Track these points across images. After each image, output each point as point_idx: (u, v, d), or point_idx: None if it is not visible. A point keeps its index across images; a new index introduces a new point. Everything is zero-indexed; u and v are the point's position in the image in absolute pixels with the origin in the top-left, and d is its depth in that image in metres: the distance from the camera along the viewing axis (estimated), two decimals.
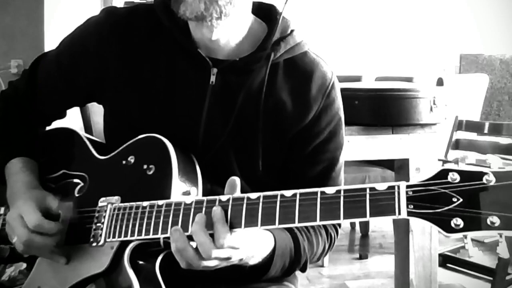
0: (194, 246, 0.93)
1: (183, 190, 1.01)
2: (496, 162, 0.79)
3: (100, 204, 1.05)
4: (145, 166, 1.05)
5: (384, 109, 2.05)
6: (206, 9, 1.01)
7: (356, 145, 1.90)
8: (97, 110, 2.47)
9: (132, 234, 0.98)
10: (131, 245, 1.00)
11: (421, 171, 2.09)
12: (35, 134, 1.24)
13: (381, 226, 3.77)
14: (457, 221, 0.78)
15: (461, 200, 0.79)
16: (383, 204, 0.83)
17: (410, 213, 0.82)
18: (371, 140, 2.06)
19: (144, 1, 1.23)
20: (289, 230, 1.11)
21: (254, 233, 0.97)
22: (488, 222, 0.77)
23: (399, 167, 2.22)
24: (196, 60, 1.10)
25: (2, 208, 1.16)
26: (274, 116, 1.12)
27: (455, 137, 2.95)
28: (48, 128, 1.28)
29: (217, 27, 1.05)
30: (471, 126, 2.97)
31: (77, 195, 1.11)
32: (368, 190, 0.84)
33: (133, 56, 1.13)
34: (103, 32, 1.14)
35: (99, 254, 1.02)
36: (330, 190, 0.87)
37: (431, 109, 2.06)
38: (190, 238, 0.99)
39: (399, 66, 4.70)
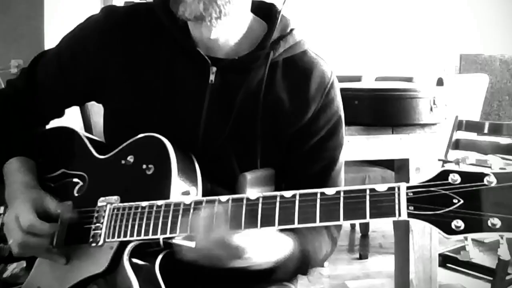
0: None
1: (182, 190, 1.01)
2: (497, 163, 0.78)
3: (99, 204, 1.05)
4: (144, 166, 1.04)
5: (384, 109, 2.05)
6: (205, 9, 1.01)
7: (356, 145, 1.90)
8: (97, 110, 2.47)
9: (131, 235, 0.98)
10: (130, 245, 1.00)
11: (421, 171, 2.08)
12: (33, 134, 1.23)
13: (381, 226, 3.77)
14: (458, 223, 0.78)
15: (461, 201, 0.79)
16: (383, 205, 0.83)
17: (410, 215, 0.81)
18: (371, 140, 2.05)
19: (144, 1, 1.22)
20: (294, 231, 1.11)
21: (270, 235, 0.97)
22: (489, 224, 0.76)
23: (399, 167, 2.22)
24: (195, 59, 1.10)
25: (1, 208, 1.15)
26: (273, 115, 1.11)
27: (455, 137, 2.95)
28: (48, 127, 1.28)
29: (216, 27, 1.05)
30: (471, 126, 2.97)
31: (76, 194, 1.11)
32: (368, 191, 0.84)
33: (132, 55, 1.12)
34: (102, 31, 1.14)
35: (98, 254, 1.01)
36: (329, 191, 0.87)
37: (431, 109, 2.06)
38: (189, 238, 0.99)
39: (399, 66, 4.70)
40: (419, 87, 2.19)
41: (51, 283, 1.06)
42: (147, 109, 1.11)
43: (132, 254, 1.00)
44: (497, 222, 0.76)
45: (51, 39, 3.20)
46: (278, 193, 0.90)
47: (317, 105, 1.13)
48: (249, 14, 1.13)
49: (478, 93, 3.89)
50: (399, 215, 0.82)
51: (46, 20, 3.31)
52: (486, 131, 2.89)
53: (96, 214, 1.04)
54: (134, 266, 0.99)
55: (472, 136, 3.05)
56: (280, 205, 0.89)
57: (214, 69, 1.10)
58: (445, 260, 3.01)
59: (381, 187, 0.84)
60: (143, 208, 0.99)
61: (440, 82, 3.63)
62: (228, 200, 0.92)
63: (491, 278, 2.74)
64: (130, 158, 1.07)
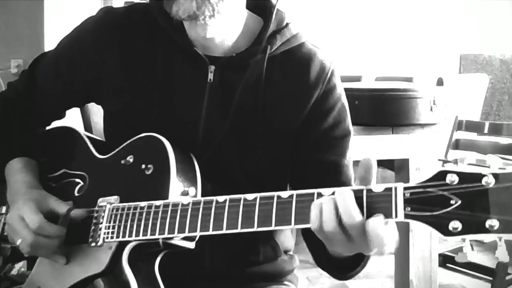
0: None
1: (181, 190, 1.01)
2: (495, 163, 0.77)
3: (99, 204, 1.05)
4: (143, 166, 1.04)
5: (384, 109, 2.05)
6: (198, 8, 1.01)
7: (356, 145, 1.90)
8: (97, 110, 2.47)
9: (130, 235, 0.98)
10: (129, 246, 1.00)
11: (421, 171, 2.08)
12: (35, 135, 1.24)
13: None
14: (455, 224, 0.77)
15: (459, 202, 0.77)
16: (379, 206, 0.82)
17: (407, 216, 0.80)
18: (371, 140, 2.05)
19: (143, 1, 1.23)
20: None
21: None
22: (487, 225, 0.75)
23: (399, 167, 2.22)
24: (193, 58, 1.10)
25: (4, 208, 1.16)
26: (274, 109, 1.11)
27: (455, 137, 2.95)
28: (48, 127, 1.28)
29: (211, 25, 1.05)
30: (471, 126, 2.97)
31: (76, 194, 1.11)
32: (365, 192, 0.83)
33: (130, 56, 1.12)
34: (100, 32, 1.14)
35: (98, 254, 1.02)
36: (326, 191, 0.86)
37: (431, 109, 2.06)
38: (188, 238, 0.99)
39: (399, 66, 4.69)
40: (419, 87, 2.19)
41: (51, 283, 1.06)
42: (146, 110, 1.12)
43: (132, 255, 1.00)
44: (495, 223, 0.74)
45: (51, 39, 3.20)
46: (275, 193, 0.89)
47: (319, 93, 1.12)
48: (244, 10, 1.13)
49: (478, 93, 3.89)
50: (396, 216, 0.81)
51: (46, 20, 3.31)
52: (486, 131, 2.88)
53: (95, 214, 1.04)
54: (133, 266, 0.99)
55: (472, 136, 3.05)
56: (277, 205, 0.88)
57: (212, 67, 1.10)
58: (445, 260, 3.01)
59: (378, 187, 0.83)
60: (142, 208, 0.99)
61: (440, 82, 3.63)
62: (225, 201, 0.92)
63: (491, 278, 2.73)
64: (130, 158, 1.07)
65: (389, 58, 4.81)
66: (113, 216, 1.02)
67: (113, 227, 1.01)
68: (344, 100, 1.16)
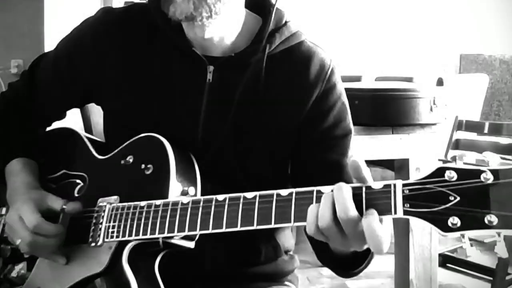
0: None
1: (181, 190, 1.01)
2: (494, 160, 0.78)
3: (99, 204, 1.05)
4: (143, 166, 1.05)
5: (384, 109, 2.05)
6: (195, 9, 1.01)
7: (356, 145, 1.90)
8: (97, 110, 2.46)
9: (130, 234, 0.98)
10: (129, 245, 1.00)
11: (421, 171, 2.08)
12: (35, 135, 1.24)
13: None
14: (454, 220, 0.77)
15: (458, 198, 0.78)
16: (378, 203, 0.82)
17: (406, 212, 0.80)
18: (371, 140, 2.05)
19: (142, 1, 1.23)
20: None
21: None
22: (486, 221, 0.75)
23: (399, 167, 2.22)
24: (191, 59, 1.10)
25: (4, 209, 1.16)
26: (274, 108, 1.11)
27: (455, 137, 2.95)
28: (49, 128, 1.28)
29: (209, 26, 1.05)
30: (471, 126, 2.97)
31: (76, 195, 1.11)
32: (364, 189, 0.84)
33: (129, 56, 1.13)
34: (99, 32, 1.14)
35: (97, 254, 1.02)
36: (325, 189, 0.86)
37: (431, 109, 2.06)
38: (188, 238, 0.99)
39: (399, 66, 4.69)
40: (419, 87, 2.19)
41: (51, 283, 1.06)
42: (146, 110, 1.12)
43: (131, 254, 1.00)
44: (494, 219, 0.75)
45: (51, 39, 3.20)
46: (274, 191, 0.89)
47: (319, 91, 1.12)
48: (243, 10, 1.13)
49: (478, 93, 3.89)
50: (395, 212, 0.81)
51: (46, 20, 3.31)
52: (486, 131, 2.88)
53: (95, 214, 1.04)
54: (133, 266, 0.99)
55: (472, 136, 3.05)
56: (276, 203, 0.88)
57: (211, 68, 1.10)
58: (445, 260, 3.01)
59: (377, 185, 0.83)
60: (142, 208, 0.99)
61: (440, 82, 3.62)
62: (225, 199, 0.92)
63: (491, 278, 2.74)
64: (130, 158, 1.07)
65: (389, 58, 4.81)
66: (113, 216, 1.02)
67: (113, 227, 1.01)
68: (345, 98, 1.15)
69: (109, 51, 1.13)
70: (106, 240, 1.01)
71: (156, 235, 0.96)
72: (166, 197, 0.99)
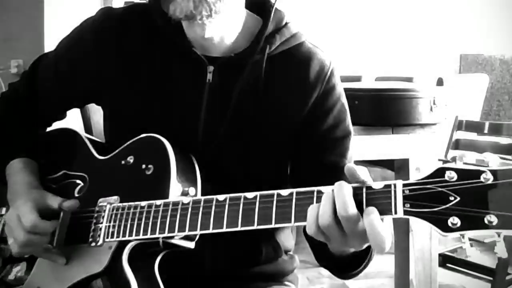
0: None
1: (181, 190, 1.01)
2: (494, 160, 0.78)
3: (99, 204, 1.05)
4: (143, 166, 1.05)
5: (384, 109, 2.05)
6: (195, 7, 1.01)
7: (356, 145, 1.90)
8: (97, 110, 2.46)
9: (130, 234, 0.98)
10: (129, 245, 1.00)
11: (421, 171, 2.08)
12: (36, 135, 1.24)
13: None
14: (454, 220, 0.77)
15: (458, 198, 0.78)
16: (379, 203, 0.82)
17: (406, 212, 0.80)
18: (371, 140, 2.06)
19: (142, 1, 1.23)
20: None
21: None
22: (486, 221, 0.75)
23: (399, 167, 2.22)
24: (191, 59, 1.10)
25: (4, 209, 1.16)
26: (274, 109, 1.11)
27: (455, 137, 2.95)
28: (49, 128, 1.28)
29: (209, 25, 1.05)
30: (471, 126, 2.97)
31: (77, 195, 1.11)
32: (364, 189, 0.84)
33: (129, 56, 1.13)
34: (99, 32, 1.14)
35: (97, 254, 1.02)
36: (326, 189, 0.87)
37: (431, 109, 2.06)
38: (188, 238, 0.99)
39: (399, 66, 4.69)
40: (419, 87, 2.19)
41: (51, 283, 1.06)
42: (146, 110, 1.12)
43: (132, 254, 1.00)
44: (493, 219, 0.75)
45: (51, 39, 3.20)
46: (275, 191, 0.90)
47: (318, 92, 1.12)
48: (243, 10, 1.13)
49: (478, 93, 3.89)
50: (395, 212, 0.81)
51: (46, 20, 3.31)
52: (486, 131, 2.88)
53: (95, 214, 1.04)
54: (133, 266, 0.99)
55: (472, 136, 3.05)
56: (277, 203, 0.89)
57: (211, 68, 1.10)
58: (445, 260, 3.01)
59: (377, 185, 0.83)
60: (142, 208, 0.99)
61: (440, 82, 3.63)
62: (225, 199, 0.92)
63: (491, 278, 2.74)
64: (130, 159, 1.07)
65: (389, 58, 4.81)
66: (113, 216, 1.02)
67: (113, 227, 1.01)
68: (344, 100, 1.15)
69: (109, 52, 1.13)
70: (106, 240, 1.01)
71: (157, 235, 0.96)
72: (167, 198, 0.99)
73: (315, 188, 0.88)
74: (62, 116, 1.28)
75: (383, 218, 0.82)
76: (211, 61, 1.10)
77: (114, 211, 1.02)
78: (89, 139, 1.19)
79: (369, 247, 0.95)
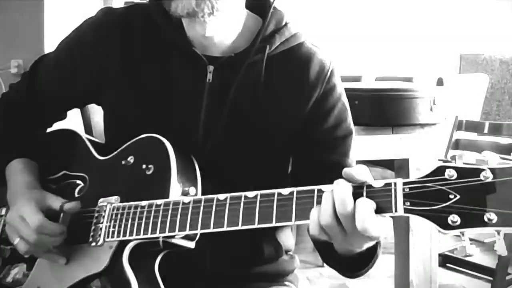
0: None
1: (182, 190, 1.01)
2: (493, 159, 0.78)
3: (99, 204, 1.05)
4: (144, 166, 1.05)
5: (384, 109, 2.05)
6: (197, 5, 1.01)
7: (356, 145, 1.90)
8: (97, 110, 2.46)
9: (131, 234, 0.98)
10: (130, 245, 1.00)
11: (421, 171, 2.08)
12: (36, 136, 1.24)
13: None
14: (454, 218, 0.78)
15: (458, 196, 0.79)
16: (379, 201, 0.82)
17: (406, 210, 0.81)
18: (371, 140, 2.05)
19: (143, 1, 1.23)
20: None
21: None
22: (486, 219, 0.76)
23: (399, 167, 2.22)
24: (191, 58, 1.10)
25: (3, 209, 1.16)
26: (274, 109, 1.11)
27: (455, 137, 2.95)
28: (49, 129, 1.28)
29: (210, 24, 1.05)
30: (471, 126, 2.97)
31: (77, 195, 1.11)
32: (365, 188, 0.84)
33: (129, 56, 1.13)
34: (99, 32, 1.14)
35: (98, 254, 1.02)
36: (326, 187, 0.87)
37: (431, 109, 2.06)
38: (188, 238, 0.99)
39: (399, 66, 4.69)
40: (419, 87, 2.19)
41: (51, 283, 1.06)
42: (146, 110, 1.12)
43: (132, 254, 1.00)
44: (493, 217, 0.76)
45: (51, 39, 3.20)
46: (275, 190, 0.90)
47: (319, 92, 1.12)
48: (243, 10, 1.13)
49: (478, 93, 3.90)
50: (396, 210, 0.81)
51: (46, 20, 3.31)
52: (486, 131, 2.88)
53: (96, 214, 1.04)
54: (133, 266, 1.00)
55: (472, 136, 3.05)
56: (277, 202, 0.89)
57: (211, 67, 1.10)
58: (445, 260, 3.02)
59: (378, 183, 0.84)
60: (143, 207, 0.99)
61: (440, 82, 3.63)
62: (226, 199, 0.92)
63: (491, 278, 2.74)
64: (130, 159, 1.07)
65: (389, 58, 4.81)
66: (113, 216, 1.02)
67: (114, 227, 1.01)
68: (345, 99, 1.15)
69: (109, 51, 1.13)
70: (106, 239, 1.01)
71: (157, 235, 0.96)
72: (167, 198, 0.99)
73: (315, 187, 0.88)
74: (62, 116, 1.28)
75: (384, 215, 0.83)
76: (211, 61, 1.10)
77: (115, 211, 1.02)
78: (89, 140, 1.19)
79: (373, 246, 0.96)
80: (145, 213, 0.98)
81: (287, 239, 1.25)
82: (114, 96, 1.15)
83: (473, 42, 5.01)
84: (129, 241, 1.00)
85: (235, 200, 0.92)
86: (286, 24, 1.13)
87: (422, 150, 2.10)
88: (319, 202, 0.86)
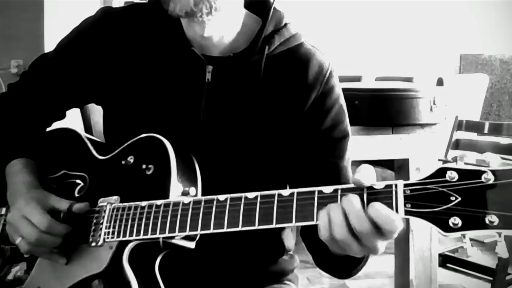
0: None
1: (182, 190, 1.01)
2: (494, 160, 0.78)
3: (99, 204, 1.05)
4: (144, 166, 1.04)
5: (384, 109, 2.06)
6: (195, 4, 1.01)
7: (356, 145, 1.90)
8: (97, 110, 2.47)
9: (131, 234, 0.98)
10: (130, 245, 1.00)
11: (421, 171, 2.08)
12: (35, 135, 1.24)
13: None
14: (455, 220, 0.77)
15: (459, 199, 0.78)
16: (380, 203, 0.82)
17: (407, 212, 0.81)
18: (371, 140, 2.06)
19: (142, 1, 1.23)
20: None
21: None
22: (487, 221, 0.75)
23: (399, 167, 2.22)
24: (190, 58, 1.10)
25: (3, 209, 1.16)
26: (273, 109, 1.11)
27: (455, 137, 2.95)
28: (49, 128, 1.28)
29: (209, 23, 1.05)
30: (471, 126, 2.97)
31: (77, 195, 1.11)
32: (365, 189, 0.84)
33: (129, 56, 1.13)
34: (98, 32, 1.14)
35: (98, 254, 1.01)
36: (327, 189, 0.87)
37: (431, 109, 2.06)
38: (188, 238, 0.99)
39: (399, 66, 4.69)
40: (419, 87, 2.19)
41: (51, 283, 1.06)
42: (145, 110, 1.12)
43: (132, 254, 1.00)
44: (494, 219, 0.75)
45: (51, 39, 3.20)
46: (276, 191, 0.89)
47: (317, 93, 1.11)
48: (242, 10, 1.13)
49: (478, 93, 3.90)
50: (396, 212, 0.81)
51: (46, 20, 3.31)
52: (486, 131, 2.89)
53: (96, 214, 1.04)
54: (133, 266, 0.99)
55: (472, 136, 3.05)
56: (278, 203, 0.88)
57: (210, 67, 1.10)
58: (445, 260, 3.02)
59: (379, 185, 0.83)
60: (143, 208, 0.99)
61: (440, 82, 3.63)
62: (226, 199, 0.92)
63: (491, 278, 2.74)
64: (130, 159, 1.07)
65: (389, 58, 4.81)
66: (113, 216, 1.02)
67: (114, 227, 1.01)
68: (343, 101, 1.15)
69: (108, 51, 1.13)
70: (106, 240, 1.01)
71: (157, 235, 0.96)
72: (167, 198, 0.99)
73: (316, 188, 0.87)
74: (61, 116, 1.28)
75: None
76: (210, 61, 1.10)
77: (115, 211, 1.02)
78: (89, 139, 1.19)
79: None
80: (145, 214, 0.98)
81: (287, 239, 1.25)
82: (113, 95, 1.15)
83: (473, 42, 5.01)
84: (129, 241, 0.99)
85: (235, 201, 0.91)
86: (285, 24, 1.13)
87: (422, 150, 2.10)
88: (319, 204, 0.86)
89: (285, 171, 1.16)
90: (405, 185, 0.82)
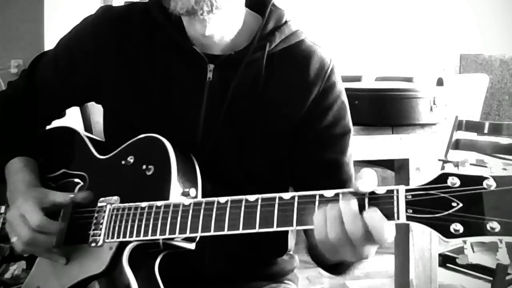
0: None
1: (182, 191, 1.01)
2: (496, 166, 0.77)
3: (99, 204, 1.05)
4: (144, 167, 1.04)
5: (384, 109, 2.05)
6: (197, 2, 1.01)
7: (356, 145, 1.90)
8: (97, 110, 2.47)
9: (131, 235, 0.98)
10: (130, 246, 0.99)
11: (421, 171, 2.08)
12: (35, 134, 1.24)
13: None
14: (457, 226, 0.77)
15: (461, 205, 0.78)
16: (381, 208, 0.82)
17: (409, 218, 0.80)
18: (371, 140, 2.06)
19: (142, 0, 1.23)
20: None
21: None
22: (488, 228, 0.75)
23: (399, 167, 2.22)
24: (192, 57, 1.10)
25: (3, 207, 1.16)
26: (274, 107, 1.11)
27: (455, 137, 2.95)
28: (48, 127, 1.28)
29: (210, 22, 1.05)
30: (471, 126, 2.97)
31: None
32: (367, 194, 0.83)
33: (129, 55, 1.12)
34: (99, 31, 1.14)
35: (98, 254, 1.01)
36: (328, 193, 0.86)
37: (431, 109, 2.06)
38: (188, 239, 0.99)
39: (399, 66, 4.69)
40: (419, 87, 2.19)
41: (50, 283, 1.06)
42: (146, 109, 1.12)
43: (132, 255, 1.00)
44: (496, 226, 0.75)
45: (51, 39, 3.19)
46: (277, 194, 0.89)
47: (318, 90, 1.11)
48: (243, 8, 1.13)
49: (478, 93, 3.89)
50: (398, 218, 0.81)
51: (46, 20, 3.30)
52: (486, 131, 2.88)
53: (96, 215, 1.04)
54: (133, 266, 0.99)
55: (472, 136, 3.05)
56: (279, 207, 0.88)
57: (211, 66, 1.10)
58: (445, 260, 3.02)
59: (380, 190, 0.83)
60: (143, 208, 0.98)
61: (440, 82, 3.62)
62: (227, 202, 0.92)
63: (491, 278, 2.74)
64: (130, 159, 1.07)
65: (389, 58, 4.81)
66: (113, 217, 1.01)
67: (114, 227, 1.00)
68: (344, 97, 1.15)
69: (109, 50, 1.13)
70: (106, 240, 1.01)
71: (157, 237, 0.96)
72: (167, 198, 0.99)
73: (317, 192, 0.87)
74: (61, 114, 1.28)
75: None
76: (211, 59, 1.10)
77: (115, 212, 1.02)
78: (89, 138, 1.18)
79: None
80: (145, 215, 0.98)
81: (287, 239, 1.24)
82: (113, 94, 1.15)
83: (473, 42, 5.01)
84: (129, 242, 0.99)
85: (236, 204, 0.91)
86: (286, 22, 1.13)
87: (422, 150, 2.10)
88: (320, 208, 0.86)
89: (287, 169, 1.16)
90: (407, 190, 0.82)
